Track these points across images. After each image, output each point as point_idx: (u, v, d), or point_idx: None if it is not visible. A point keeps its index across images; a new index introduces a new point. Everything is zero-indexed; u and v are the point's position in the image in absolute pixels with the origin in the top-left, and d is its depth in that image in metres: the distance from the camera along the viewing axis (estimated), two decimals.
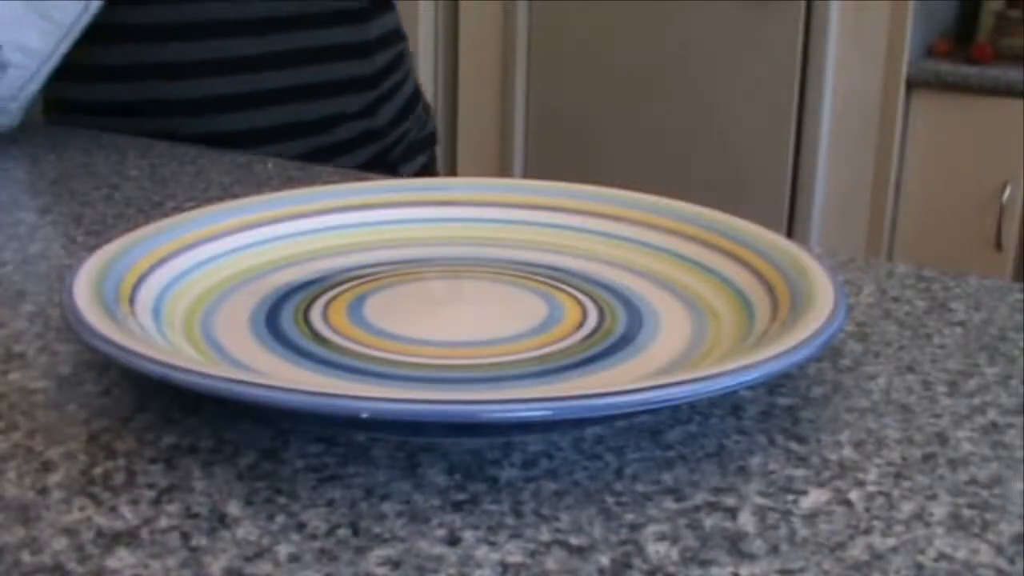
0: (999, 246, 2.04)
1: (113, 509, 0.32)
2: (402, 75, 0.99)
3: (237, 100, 0.89)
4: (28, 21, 0.71)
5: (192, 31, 0.86)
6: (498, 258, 0.52)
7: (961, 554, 0.31)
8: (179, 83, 0.87)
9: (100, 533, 0.31)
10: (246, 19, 0.88)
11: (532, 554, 0.31)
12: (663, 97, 2.28)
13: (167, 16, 0.86)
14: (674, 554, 0.31)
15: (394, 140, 0.97)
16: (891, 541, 0.31)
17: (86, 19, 0.74)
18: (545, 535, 0.31)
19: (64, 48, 0.75)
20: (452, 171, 2.50)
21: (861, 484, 0.34)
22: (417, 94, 1.03)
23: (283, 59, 0.89)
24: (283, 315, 0.45)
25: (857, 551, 0.31)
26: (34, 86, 0.76)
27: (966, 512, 0.33)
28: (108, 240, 0.46)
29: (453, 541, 0.31)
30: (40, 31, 0.72)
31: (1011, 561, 0.31)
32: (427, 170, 1.01)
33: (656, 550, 0.31)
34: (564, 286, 0.48)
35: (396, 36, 0.99)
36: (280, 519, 0.32)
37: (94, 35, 0.83)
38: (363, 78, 0.94)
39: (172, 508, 0.33)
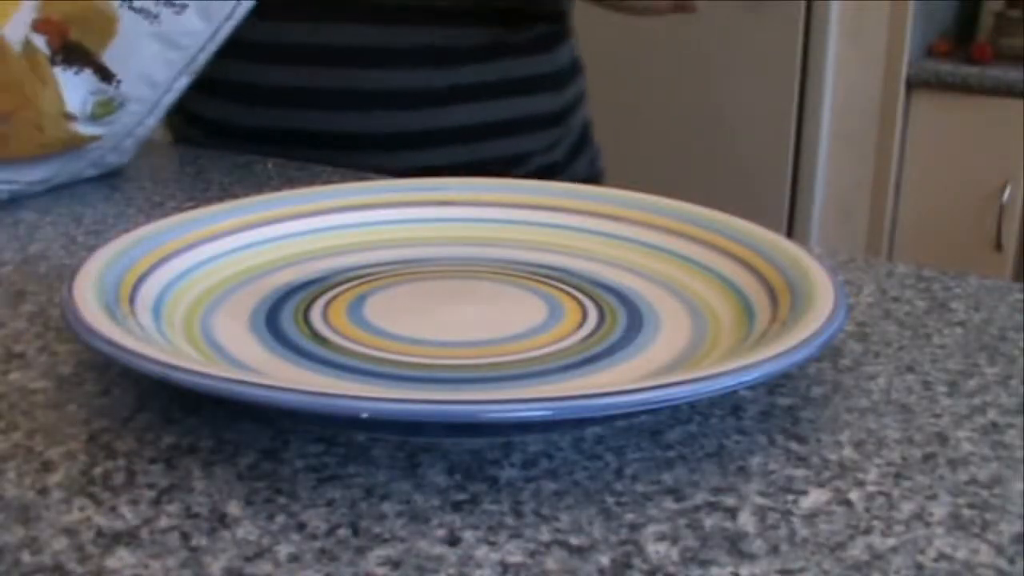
0: (999, 246, 2.04)
1: (113, 509, 0.32)
2: (583, 107, 0.91)
3: (418, 137, 0.79)
4: (153, 49, 0.62)
5: (376, 58, 0.77)
6: (498, 258, 0.52)
7: (961, 554, 0.31)
8: (355, 114, 0.78)
9: (100, 533, 0.31)
10: (437, 47, 0.78)
11: (532, 554, 0.31)
12: (663, 97, 2.28)
13: (346, 39, 0.77)
14: (674, 554, 0.31)
15: (570, 176, 0.89)
16: (891, 541, 0.31)
17: (212, 47, 0.65)
18: (545, 535, 0.31)
19: (186, 79, 0.66)
20: None
21: (861, 484, 0.34)
22: (589, 127, 0.93)
23: (472, 93, 0.80)
24: (283, 315, 0.45)
25: (857, 551, 0.31)
26: (152, 120, 0.68)
27: (966, 512, 0.33)
28: (108, 240, 0.46)
29: (453, 541, 0.31)
30: (166, 60, 0.63)
31: (1011, 561, 0.31)
32: None
33: (656, 550, 0.31)
34: (564, 286, 0.48)
35: (579, 65, 0.91)
36: (280, 519, 0.32)
37: (257, 55, 0.75)
38: (551, 114, 0.85)
39: (172, 508, 0.33)
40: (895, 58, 2.07)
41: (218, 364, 0.40)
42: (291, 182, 0.70)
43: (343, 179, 0.70)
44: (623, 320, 0.45)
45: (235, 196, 0.54)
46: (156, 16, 0.62)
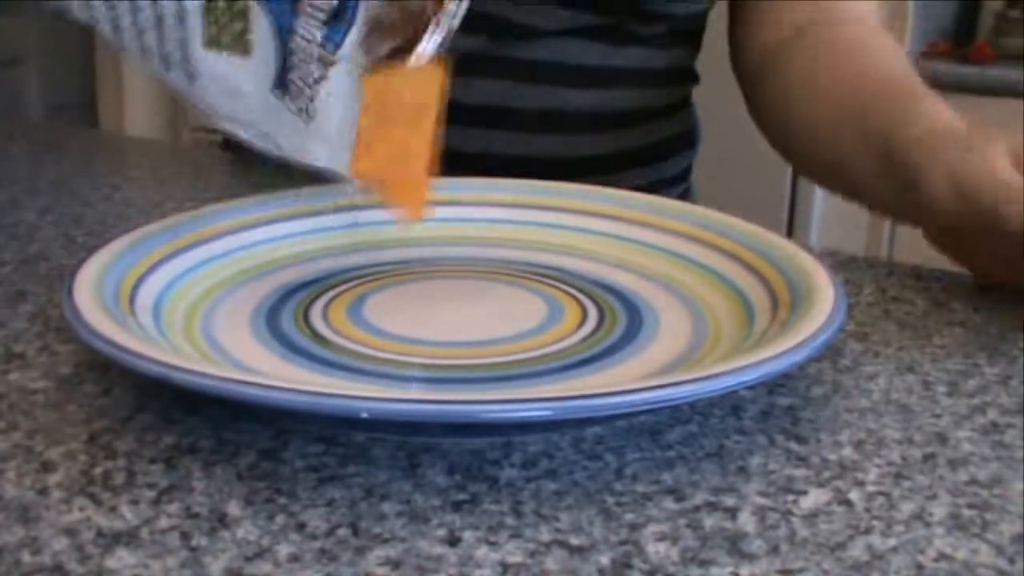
0: None
1: (113, 509, 0.32)
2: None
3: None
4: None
5: (528, 121, 0.70)
6: (498, 258, 0.52)
7: (961, 554, 0.31)
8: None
9: (100, 533, 0.31)
10: (583, 111, 0.71)
11: (532, 554, 0.30)
12: None
13: (498, 99, 0.69)
14: (674, 554, 0.31)
15: None
16: (891, 541, 0.31)
17: None
18: (545, 535, 0.31)
19: None
20: None
21: (861, 484, 0.34)
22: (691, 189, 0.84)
23: (608, 163, 0.73)
24: (283, 315, 0.45)
25: (857, 551, 0.31)
26: None
27: (966, 512, 0.33)
28: (108, 240, 0.46)
29: (453, 541, 0.31)
30: None
31: (1011, 561, 0.31)
32: None
33: (656, 550, 0.31)
34: (564, 286, 0.48)
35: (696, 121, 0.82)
36: (280, 519, 0.32)
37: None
38: (674, 178, 0.78)
39: (172, 508, 0.33)
40: None
41: (218, 364, 0.40)
42: (291, 182, 0.70)
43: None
44: (623, 320, 0.45)
45: (235, 196, 0.54)
46: None
